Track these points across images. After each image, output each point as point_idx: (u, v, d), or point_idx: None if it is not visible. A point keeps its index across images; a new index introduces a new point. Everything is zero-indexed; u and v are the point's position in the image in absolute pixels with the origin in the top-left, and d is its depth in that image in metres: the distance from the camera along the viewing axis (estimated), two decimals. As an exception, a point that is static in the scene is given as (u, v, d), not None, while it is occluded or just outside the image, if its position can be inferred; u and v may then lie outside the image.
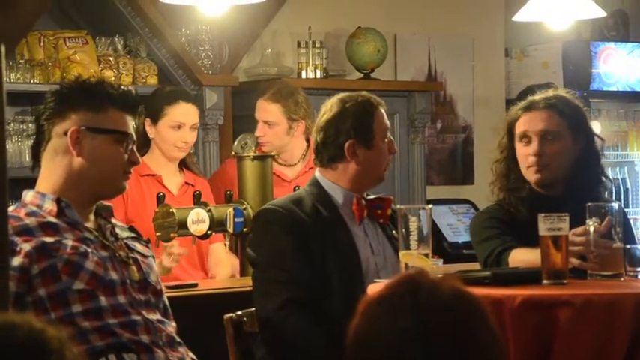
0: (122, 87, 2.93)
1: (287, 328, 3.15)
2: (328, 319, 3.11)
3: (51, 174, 2.85)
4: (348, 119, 3.31)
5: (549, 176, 3.38)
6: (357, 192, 3.35)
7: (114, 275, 2.78)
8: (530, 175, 3.40)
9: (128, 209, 4.27)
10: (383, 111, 3.39)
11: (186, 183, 4.51)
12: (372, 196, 3.42)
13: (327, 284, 3.19)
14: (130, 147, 2.87)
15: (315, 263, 3.21)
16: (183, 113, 4.44)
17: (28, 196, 2.84)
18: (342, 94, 3.40)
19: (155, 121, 4.41)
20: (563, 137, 3.40)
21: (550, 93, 3.47)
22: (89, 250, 2.77)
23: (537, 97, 3.46)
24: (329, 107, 3.36)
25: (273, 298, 3.17)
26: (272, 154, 4.42)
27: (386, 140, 3.37)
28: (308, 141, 4.75)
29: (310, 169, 4.68)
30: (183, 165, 4.55)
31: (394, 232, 3.28)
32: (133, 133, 2.89)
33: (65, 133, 2.82)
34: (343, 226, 3.31)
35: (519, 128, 3.42)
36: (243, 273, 4.30)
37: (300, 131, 4.69)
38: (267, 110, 4.65)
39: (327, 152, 3.34)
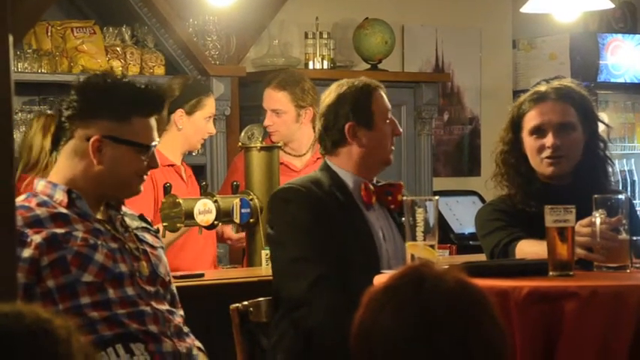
0: (149, 86, 2.85)
1: (321, 306, 3.09)
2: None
3: (67, 169, 2.83)
4: (346, 102, 3.31)
5: (565, 168, 3.34)
6: (365, 177, 3.33)
7: (123, 267, 2.78)
8: (545, 168, 3.34)
9: (158, 196, 4.27)
10: (382, 93, 3.37)
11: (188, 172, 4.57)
12: (382, 182, 3.40)
13: (346, 265, 3.15)
14: (151, 153, 2.84)
15: (336, 242, 3.17)
16: (213, 104, 4.55)
17: (39, 185, 2.83)
18: (340, 80, 3.39)
19: (191, 112, 4.44)
20: (577, 128, 3.36)
21: (556, 83, 3.42)
22: (99, 242, 2.76)
23: (543, 87, 3.39)
24: (327, 94, 3.36)
25: (303, 278, 3.12)
26: (279, 144, 4.42)
27: (387, 121, 3.35)
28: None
29: (318, 158, 4.66)
30: None
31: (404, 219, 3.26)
32: (157, 137, 2.85)
33: (87, 139, 2.78)
34: (358, 210, 3.29)
35: (532, 121, 3.35)
36: (250, 263, 4.30)
37: (308, 118, 4.66)
38: (275, 98, 4.63)
39: (330, 138, 3.33)
